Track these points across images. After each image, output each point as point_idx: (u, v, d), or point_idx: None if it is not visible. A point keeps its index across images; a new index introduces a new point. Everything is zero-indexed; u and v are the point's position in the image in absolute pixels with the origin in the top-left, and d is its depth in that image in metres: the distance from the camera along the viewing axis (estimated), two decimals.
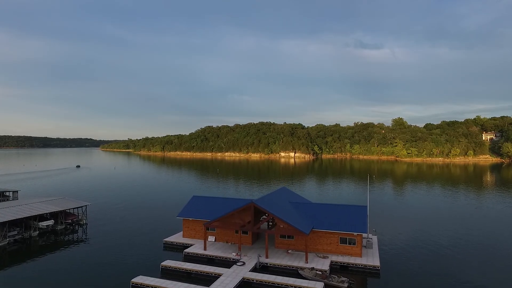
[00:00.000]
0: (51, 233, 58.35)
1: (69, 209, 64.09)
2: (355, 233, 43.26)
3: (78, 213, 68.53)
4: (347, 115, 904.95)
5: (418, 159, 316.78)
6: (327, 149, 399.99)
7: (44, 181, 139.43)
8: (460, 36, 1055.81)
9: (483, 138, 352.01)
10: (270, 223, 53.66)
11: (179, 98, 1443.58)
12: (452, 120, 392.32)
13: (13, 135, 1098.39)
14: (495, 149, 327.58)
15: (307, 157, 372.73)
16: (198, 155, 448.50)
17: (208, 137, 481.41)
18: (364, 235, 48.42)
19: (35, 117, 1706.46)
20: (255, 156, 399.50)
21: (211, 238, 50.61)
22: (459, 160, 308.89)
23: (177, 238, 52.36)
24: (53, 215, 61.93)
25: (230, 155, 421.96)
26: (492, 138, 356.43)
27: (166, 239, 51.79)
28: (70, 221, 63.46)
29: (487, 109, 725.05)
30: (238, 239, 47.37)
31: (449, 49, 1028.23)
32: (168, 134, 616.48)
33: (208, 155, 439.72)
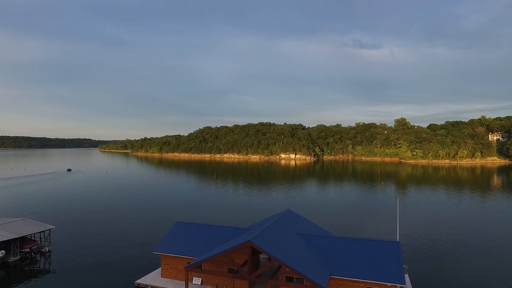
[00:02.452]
0: (1, 268, 47.09)
1: (28, 234, 52.77)
2: (389, 284, 32.07)
3: (40, 238, 57.16)
4: (347, 115, 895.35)
5: (424, 161, 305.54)
6: (328, 150, 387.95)
7: (23, 190, 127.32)
8: (458, 36, 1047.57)
9: (489, 139, 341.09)
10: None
11: (178, 98, 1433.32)
12: (453, 119, 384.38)
13: (11, 135, 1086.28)
14: (502, 150, 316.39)
15: (308, 158, 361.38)
16: (196, 156, 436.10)
17: (207, 138, 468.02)
18: None
19: (34, 117, 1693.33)
20: (254, 158, 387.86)
21: (196, 281, 39.35)
22: (466, 162, 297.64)
23: (153, 279, 40.96)
24: (6, 243, 50.61)
25: (229, 157, 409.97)
26: (499, 139, 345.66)
27: (139, 281, 40.42)
28: (28, 249, 52.00)
29: (487, 109, 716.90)
30: (231, 284, 36.31)
31: (448, 49, 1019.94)
32: (167, 134, 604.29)
33: (206, 156, 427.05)
